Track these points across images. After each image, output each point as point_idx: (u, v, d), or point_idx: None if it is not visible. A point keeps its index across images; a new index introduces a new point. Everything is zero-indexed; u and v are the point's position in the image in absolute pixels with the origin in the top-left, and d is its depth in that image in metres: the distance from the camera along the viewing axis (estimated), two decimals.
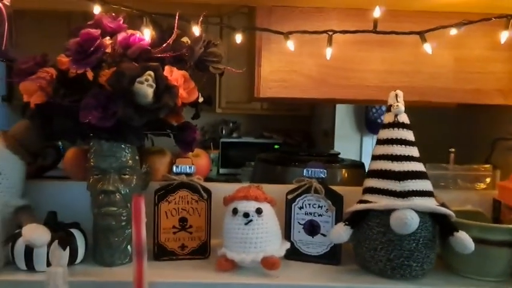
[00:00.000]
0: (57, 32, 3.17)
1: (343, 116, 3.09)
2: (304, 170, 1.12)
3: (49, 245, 0.98)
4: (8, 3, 1.00)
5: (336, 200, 1.10)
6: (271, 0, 1.22)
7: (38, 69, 1.06)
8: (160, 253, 1.11)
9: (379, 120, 2.92)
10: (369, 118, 3.00)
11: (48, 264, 0.98)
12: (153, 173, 1.18)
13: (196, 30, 1.05)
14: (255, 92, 1.28)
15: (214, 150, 3.62)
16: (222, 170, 3.76)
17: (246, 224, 1.03)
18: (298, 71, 1.28)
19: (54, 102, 1.02)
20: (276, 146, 3.68)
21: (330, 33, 1.11)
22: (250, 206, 1.04)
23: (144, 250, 0.89)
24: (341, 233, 1.03)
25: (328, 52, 1.13)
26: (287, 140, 3.75)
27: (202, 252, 1.14)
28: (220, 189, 1.15)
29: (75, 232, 1.06)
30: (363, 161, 2.85)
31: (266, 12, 1.25)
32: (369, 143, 3.09)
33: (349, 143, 3.05)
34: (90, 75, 1.03)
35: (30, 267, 1.00)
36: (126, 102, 0.98)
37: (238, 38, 1.11)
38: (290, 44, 1.14)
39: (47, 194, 1.20)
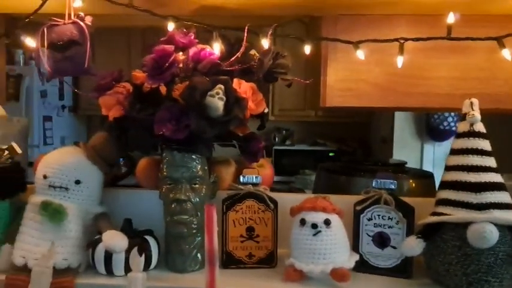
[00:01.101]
0: (117, 47, 3.34)
1: (402, 122, 2.96)
2: (374, 181, 1.10)
3: (127, 251, 1.03)
4: (89, 23, 1.06)
5: (407, 211, 1.08)
6: (337, 9, 1.21)
7: (115, 84, 1.12)
8: (229, 261, 1.14)
9: (441, 127, 2.80)
10: (430, 124, 2.87)
11: (126, 269, 1.03)
12: (219, 182, 1.20)
13: (265, 42, 1.07)
14: (321, 101, 1.28)
15: (267, 158, 3.63)
16: (275, 178, 3.73)
17: (314, 235, 1.03)
18: (364, 80, 1.26)
19: (131, 115, 1.07)
20: (331, 154, 3.61)
21: (402, 41, 1.09)
22: (318, 217, 1.04)
23: (216, 258, 0.91)
24: (413, 245, 1.01)
25: (400, 60, 1.11)
26: (342, 148, 3.66)
27: (269, 261, 1.15)
28: (286, 199, 1.16)
29: (149, 239, 1.10)
30: (423, 169, 2.76)
31: (332, 22, 1.24)
32: (430, 151, 2.96)
33: (409, 150, 2.93)
34: (163, 89, 1.07)
35: (109, 271, 1.05)
36: (198, 115, 1.01)
37: (307, 49, 1.11)
38: (360, 53, 1.13)
39: (121, 202, 1.26)
